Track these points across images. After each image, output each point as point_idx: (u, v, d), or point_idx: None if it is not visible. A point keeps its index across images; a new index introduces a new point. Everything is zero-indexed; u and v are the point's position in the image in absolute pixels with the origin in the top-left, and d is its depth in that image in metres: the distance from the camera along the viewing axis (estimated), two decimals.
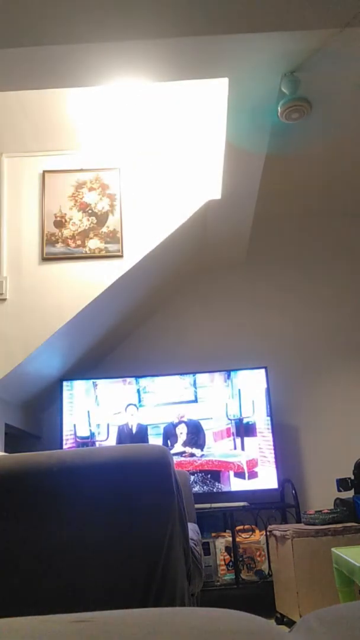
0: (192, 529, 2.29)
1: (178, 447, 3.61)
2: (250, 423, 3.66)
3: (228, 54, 2.21)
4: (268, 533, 3.21)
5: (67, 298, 3.13)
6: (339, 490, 3.29)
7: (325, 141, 3.35)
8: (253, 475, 3.56)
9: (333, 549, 2.23)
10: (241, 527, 3.42)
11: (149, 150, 3.36)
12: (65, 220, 3.29)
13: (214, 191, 3.29)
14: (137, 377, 3.75)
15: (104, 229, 3.27)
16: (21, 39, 2.11)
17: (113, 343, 4.10)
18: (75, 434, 3.62)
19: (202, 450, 3.61)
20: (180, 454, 3.59)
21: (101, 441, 3.60)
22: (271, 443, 3.62)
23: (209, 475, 3.57)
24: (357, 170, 3.75)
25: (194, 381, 3.77)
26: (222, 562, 3.31)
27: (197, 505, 3.16)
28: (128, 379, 3.74)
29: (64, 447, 3.56)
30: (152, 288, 3.89)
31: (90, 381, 3.74)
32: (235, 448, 3.61)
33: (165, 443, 3.57)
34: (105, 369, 4.07)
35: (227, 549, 3.33)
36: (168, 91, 2.95)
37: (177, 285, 4.24)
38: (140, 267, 3.28)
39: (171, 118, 3.19)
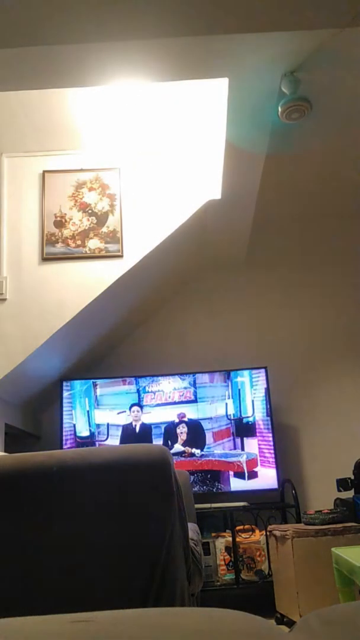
0: (192, 529, 2.29)
1: (178, 447, 3.61)
2: (250, 423, 3.66)
3: (228, 54, 2.21)
4: (268, 533, 3.21)
5: (67, 298, 3.13)
6: (339, 490, 3.29)
7: (326, 141, 3.35)
8: (253, 475, 3.56)
9: (333, 549, 2.23)
10: (241, 527, 3.42)
11: (149, 150, 3.36)
12: (65, 220, 3.29)
13: (214, 191, 3.29)
14: (137, 377, 3.75)
15: (104, 229, 3.27)
16: (21, 39, 2.11)
17: (113, 343, 4.10)
18: (75, 434, 3.62)
19: (202, 450, 3.61)
20: (180, 453, 3.59)
21: (101, 441, 3.60)
22: (271, 443, 3.62)
23: (209, 475, 3.57)
24: (357, 169, 3.75)
25: (194, 381, 3.77)
26: (222, 562, 3.31)
27: (197, 505, 3.16)
28: (128, 379, 3.75)
29: (64, 447, 3.56)
30: (152, 288, 3.89)
31: (90, 381, 3.74)
32: (235, 448, 3.61)
33: (165, 443, 3.57)
34: (105, 369, 4.07)
35: (227, 549, 3.33)
36: (168, 91, 2.95)
37: (177, 285, 4.24)
38: (140, 267, 3.28)
39: (171, 118, 3.19)
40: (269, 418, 3.65)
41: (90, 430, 3.63)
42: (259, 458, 3.59)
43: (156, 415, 3.66)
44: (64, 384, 3.71)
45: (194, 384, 3.75)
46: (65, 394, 3.70)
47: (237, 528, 3.38)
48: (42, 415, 4.02)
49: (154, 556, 1.38)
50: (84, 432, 3.62)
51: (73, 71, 2.27)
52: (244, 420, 3.65)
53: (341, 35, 2.13)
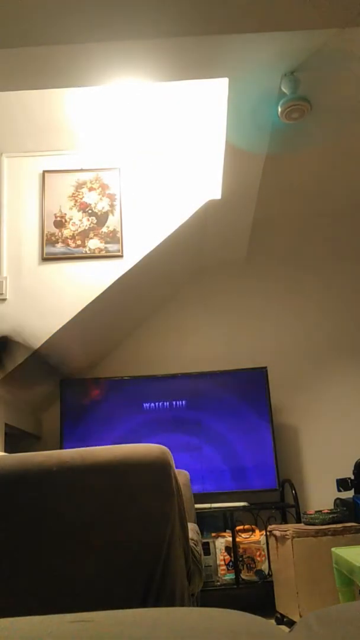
0: (192, 529, 2.29)
1: (178, 447, 3.61)
2: (250, 423, 3.66)
3: (228, 54, 2.21)
4: (268, 533, 3.21)
5: (67, 298, 3.13)
6: (339, 490, 3.29)
7: (326, 141, 3.35)
8: (253, 475, 3.56)
9: (333, 549, 2.23)
10: (241, 527, 3.42)
11: (149, 150, 3.36)
12: (65, 220, 3.29)
13: (214, 191, 3.29)
14: (137, 377, 3.75)
15: (104, 229, 3.27)
16: (21, 39, 2.11)
17: (113, 343, 4.10)
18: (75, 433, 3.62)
19: (202, 450, 3.61)
20: (182, 452, 3.59)
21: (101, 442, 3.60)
22: (271, 443, 3.61)
23: (209, 475, 3.57)
24: (358, 169, 3.75)
25: (194, 381, 3.77)
26: (222, 562, 3.31)
27: (197, 505, 3.16)
28: (128, 379, 3.74)
29: (64, 447, 3.56)
30: (152, 288, 3.89)
31: (91, 381, 3.74)
32: (235, 448, 3.61)
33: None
34: (105, 369, 4.07)
35: (227, 549, 3.33)
36: (168, 91, 2.95)
37: (177, 285, 4.24)
38: (140, 267, 3.28)
39: (171, 118, 3.19)
40: (269, 418, 3.65)
41: (90, 431, 3.62)
42: (259, 458, 3.59)
43: (156, 415, 3.66)
44: (64, 383, 3.71)
45: (194, 384, 3.75)
46: (66, 394, 3.70)
47: (237, 528, 3.38)
48: (42, 415, 4.02)
49: (154, 556, 1.38)
50: (84, 432, 3.62)
51: (73, 71, 2.27)
52: (244, 420, 3.65)
53: (341, 35, 2.13)
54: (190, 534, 1.90)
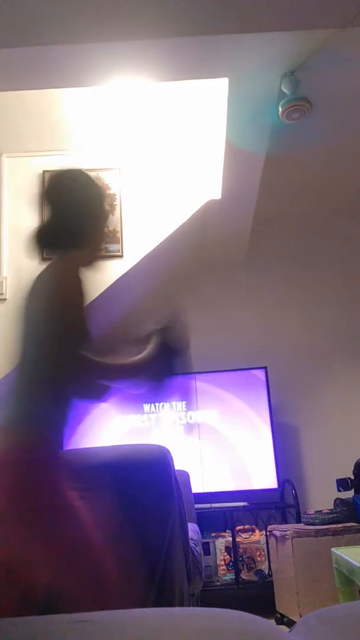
0: (192, 529, 2.29)
1: (178, 447, 3.61)
2: (250, 423, 3.66)
3: (228, 54, 2.21)
4: (268, 533, 3.21)
5: None
6: (339, 490, 3.28)
7: (326, 141, 3.35)
8: (253, 475, 3.56)
9: (333, 549, 2.23)
10: (241, 527, 3.42)
11: (149, 150, 3.36)
12: None
13: (214, 191, 3.29)
14: None
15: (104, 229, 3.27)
16: (21, 39, 2.11)
17: (113, 343, 4.09)
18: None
19: (202, 450, 3.61)
20: (182, 452, 3.59)
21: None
22: (271, 443, 3.61)
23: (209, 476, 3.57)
24: (358, 169, 3.75)
25: (194, 381, 3.77)
26: (222, 562, 3.31)
27: (197, 505, 3.16)
28: None
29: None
30: (152, 288, 3.89)
31: None
32: (235, 448, 3.61)
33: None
34: None
35: (227, 549, 3.33)
36: (168, 91, 2.95)
37: (177, 285, 4.24)
38: (140, 267, 3.28)
39: (171, 118, 3.19)
40: (269, 418, 3.65)
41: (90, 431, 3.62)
42: (259, 458, 3.59)
43: (157, 416, 3.66)
44: None
45: (194, 384, 3.75)
46: None
47: (237, 528, 3.38)
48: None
49: (154, 556, 1.38)
50: (84, 432, 3.62)
51: (73, 71, 2.27)
52: (244, 420, 3.65)
53: (341, 35, 2.13)
54: (190, 534, 1.90)
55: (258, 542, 3.36)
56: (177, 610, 0.64)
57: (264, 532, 3.37)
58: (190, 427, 3.68)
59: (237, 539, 3.33)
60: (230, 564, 3.30)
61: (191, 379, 3.79)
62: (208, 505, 3.37)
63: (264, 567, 3.30)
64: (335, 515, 2.98)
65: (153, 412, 3.68)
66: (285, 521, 3.56)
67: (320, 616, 0.61)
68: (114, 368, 1.34)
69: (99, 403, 1.46)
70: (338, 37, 2.14)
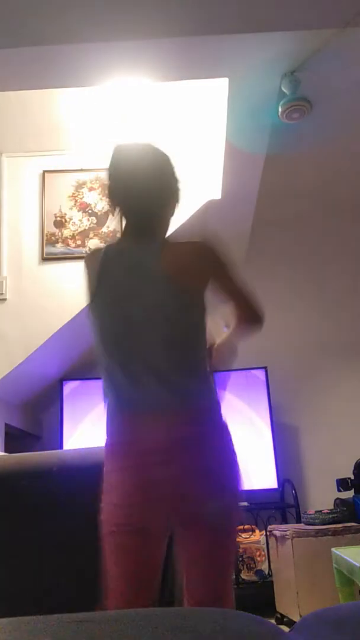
0: None
1: None
2: (250, 423, 3.66)
3: (228, 54, 2.21)
4: (268, 533, 3.21)
5: (67, 298, 3.12)
6: (339, 490, 3.28)
7: (326, 141, 3.35)
8: (253, 475, 3.56)
9: (333, 549, 2.23)
10: (241, 527, 3.41)
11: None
12: (65, 220, 3.28)
13: (214, 191, 3.29)
14: None
15: (104, 229, 3.27)
16: (21, 39, 2.11)
17: None
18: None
19: None
20: None
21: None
22: (271, 443, 3.61)
23: None
24: (358, 169, 3.75)
25: None
26: None
27: None
28: None
29: (64, 447, 3.56)
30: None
31: (91, 381, 3.74)
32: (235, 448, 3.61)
33: None
34: None
35: None
36: (168, 91, 2.95)
37: None
38: None
39: (171, 118, 3.18)
40: (269, 418, 3.65)
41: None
42: (259, 458, 3.58)
43: None
44: (64, 384, 3.71)
45: None
46: (66, 393, 3.69)
47: (237, 528, 3.38)
48: (42, 415, 4.02)
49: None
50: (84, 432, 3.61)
51: (73, 71, 2.27)
52: (244, 420, 3.65)
53: (341, 35, 2.13)
54: None
55: (258, 542, 3.36)
56: (177, 610, 0.64)
57: (264, 532, 3.37)
58: None
59: (237, 539, 3.33)
60: None
61: None
62: None
63: (264, 567, 3.30)
64: (335, 515, 2.98)
65: None
66: (285, 521, 3.56)
67: (320, 616, 0.61)
68: None
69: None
70: (338, 37, 2.13)
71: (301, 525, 3.03)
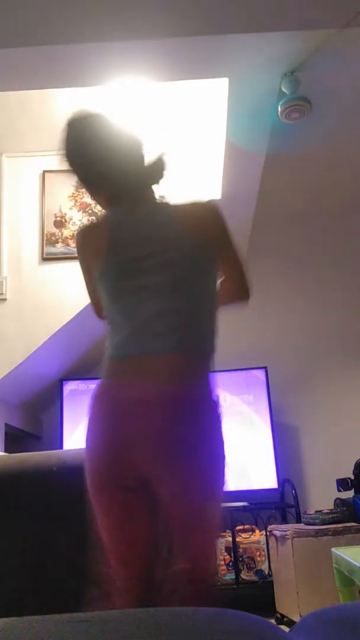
0: None
1: None
2: (250, 423, 3.66)
3: (228, 54, 2.21)
4: (268, 533, 3.21)
5: (67, 298, 3.12)
6: (339, 490, 3.28)
7: (326, 141, 3.35)
8: (253, 475, 3.56)
9: (333, 549, 2.23)
10: (241, 527, 3.41)
11: (149, 150, 3.35)
12: (66, 220, 3.28)
13: (214, 191, 3.29)
14: None
15: None
16: (21, 39, 2.11)
17: None
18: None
19: None
20: None
21: None
22: (271, 443, 3.61)
23: None
24: (358, 169, 3.75)
25: None
26: (222, 562, 3.31)
27: None
28: None
29: (64, 447, 3.56)
30: None
31: (91, 381, 3.74)
32: (235, 448, 3.61)
33: None
34: None
35: (227, 549, 3.33)
36: (168, 91, 2.95)
37: None
38: None
39: (171, 118, 3.18)
40: (269, 418, 3.65)
41: None
42: (259, 458, 3.58)
43: None
44: (64, 384, 3.71)
45: None
46: (66, 393, 3.69)
47: (237, 528, 3.38)
48: (42, 415, 4.02)
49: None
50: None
51: (73, 71, 2.27)
52: (245, 420, 3.65)
53: (341, 35, 2.13)
54: None
55: (258, 542, 3.36)
56: (177, 610, 0.64)
57: (264, 532, 3.37)
58: None
59: (237, 539, 3.33)
60: (230, 564, 3.30)
61: None
62: None
63: (264, 567, 3.30)
64: (335, 515, 2.98)
65: None
66: (285, 521, 3.56)
67: (320, 616, 0.61)
68: None
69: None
70: (338, 37, 2.13)
71: (301, 525, 3.03)
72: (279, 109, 2.47)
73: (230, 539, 3.33)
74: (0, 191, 3.29)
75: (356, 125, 3.20)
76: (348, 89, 2.83)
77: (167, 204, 1.44)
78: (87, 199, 3.32)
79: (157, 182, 1.48)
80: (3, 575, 1.48)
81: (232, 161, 2.99)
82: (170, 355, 1.24)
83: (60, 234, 3.26)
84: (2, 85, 2.38)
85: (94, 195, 1.49)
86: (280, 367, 3.98)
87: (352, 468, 3.35)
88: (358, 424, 3.89)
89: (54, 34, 2.11)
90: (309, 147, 3.40)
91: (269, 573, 3.24)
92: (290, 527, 2.95)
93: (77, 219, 3.29)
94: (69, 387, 3.72)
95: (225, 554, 3.33)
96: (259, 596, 3.21)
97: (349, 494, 3.28)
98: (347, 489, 3.27)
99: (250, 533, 3.38)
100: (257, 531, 3.41)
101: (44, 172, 3.33)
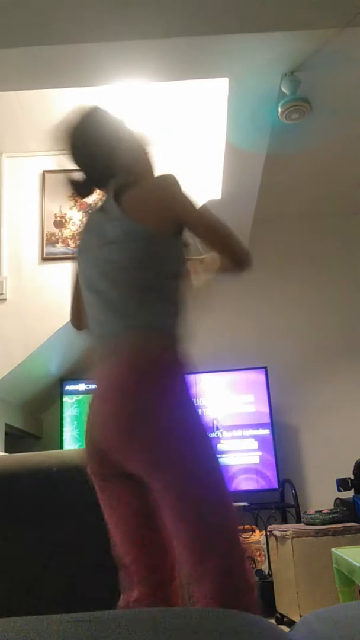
0: None
1: None
2: (250, 423, 3.66)
3: (228, 54, 2.21)
4: (268, 533, 3.21)
5: (67, 298, 3.11)
6: (339, 490, 3.28)
7: (326, 141, 3.35)
8: (253, 475, 3.56)
9: (333, 549, 2.23)
10: (241, 527, 3.41)
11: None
12: (66, 220, 3.28)
13: (214, 191, 3.29)
14: None
15: None
16: (21, 39, 2.11)
17: None
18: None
19: None
20: None
21: None
22: (271, 443, 3.61)
23: None
24: (358, 169, 3.75)
25: (195, 381, 3.77)
26: None
27: None
28: None
29: (64, 447, 3.56)
30: None
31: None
32: (235, 448, 3.61)
33: None
34: None
35: None
36: (168, 91, 2.95)
37: None
38: None
39: (171, 118, 3.19)
40: (269, 418, 3.65)
41: None
42: (259, 458, 3.58)
43: None
44: (64, 384, 3.71)
45: (195, 384, 3.75)
46: (66, 393, 3.69)
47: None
48: (42, 415, 4.02)
49: None
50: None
51: (73, 71, 2.27)
52: (245, 420, 3.65)
53: (341, 35, 2.13)
54: None
55: (258, 542, 3.36)
56: (177, 610, 0.64)
57: (264, 532, 3.37)
58: None
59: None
60: None
61: (192, 379, 3.78)
62: None
63: (264, 567, 3.30)
64: (335, 515, 2.98)
65: None
66: (285, 521, 3.56)
67: (320, 616, 0.61)
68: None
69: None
70: (338, 37, 2.14)
71: (301, 525, 3.03)
72: (279, 109, 2.47)
73: None
74: (0, 191, 3.29)
75: (356, 125, 3.20)
76: (348, 89, 2.83)
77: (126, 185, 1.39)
78: (88, 199, 3.32)
79: (118, 174, 1.43)
80: (3, 576, 1.48)
81: (232, 161, 2.99)
82: (111, 343, 1.25)
83: (60, 234, 3.26)
84: (2, 85, 2.38)
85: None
86: (280, 367, 3.98)
87: (352, 468, 3.35)
88: (358, 424, 3.89)
89: (54, 34, 2.11)
90: (308, 147, 3.40)
91: (269, 573, 3.24)
92: (290, 527, 2.95)
93: (77, 219, 3.29)
94: (69, 387, 3.72)
95: None
96: (259, 596, 3.21)
97: (349, 494, 3.28)
98: (347, 489, 3.27)
99: (250, 533, 3.38)
100: (257, 531, 3.41)
101: (44, 172, 3.34)
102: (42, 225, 3.27)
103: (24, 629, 0.55)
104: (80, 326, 1.50)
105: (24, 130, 3.21)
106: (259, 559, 3.33)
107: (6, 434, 3.27)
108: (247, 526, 3.41)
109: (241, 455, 3.60)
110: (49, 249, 3.23)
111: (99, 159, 1.45)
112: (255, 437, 3.64)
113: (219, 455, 1.22)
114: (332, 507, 3.23)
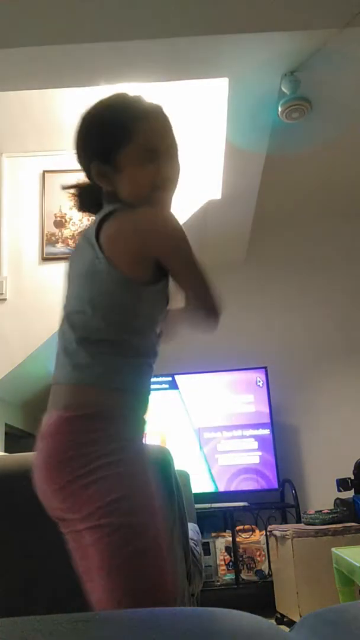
0: (192, 529, 2.29)
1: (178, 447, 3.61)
2: (250, 423, 3.66)
3: (228, 54, 2.21)
4: (268, 533, 3.21)
5: None
6: (339, 490, 3.28)
7: (326, 141, 3.35)
8: (253, 475, 3.56)
9: (333, 549, 2.23)
10: (241, 527, 3.41)
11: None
12: (66, 220, 3.28)
13: (214, 191, 3.29)
14: None
15: None
16: (21, 39, 2.11)
17: None
18: None
19: (202, 449, 3.61)
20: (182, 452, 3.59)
21: None
22: (271, 443, 3.61)
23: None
24: (358, 170, 3.75)
25: (195, 381, 3.78)
26: (222, 562, 3.31)
27: (197, 505, 3.16)
28: None
29: None
30: None
31: None
32: (235, 448, 3.61)
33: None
34: None
35: (227, 549, 3.33)
36: (168, 91, 2.95)
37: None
38: None
39: (171, 118, 3.18)
40: (269, 418, 3.65)
41: None
42: (259, 458, 3.58)
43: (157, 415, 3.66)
44: None
45: (194, 384, 3.75)
46: None
47: (237, 528, 3.38)
48: (42, 415, 4.02)
49: None
50: None
51: (73, 71, 2.27)
52: (245, 420, 3.65)
53: (341, 35, 2.13)
54: (190, 534, 1.89)
55: (258, 542, 3.36)
56: (177, 610, 0.64)
57: (264, 532, 3.37)
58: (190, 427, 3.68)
59: (237, 539, 3.33)
60: (230, 564, 3.30)
61: (192, 379, 3.79)
62: (208, 505, 3.37)
63: (264, 567, 3.30)
64: (335, 515, 2.98)
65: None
66: (285, 521, 3.56)
67: (320, 616, 0.61)
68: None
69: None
70: (338, 37, 2.14)
71: (301, 525, 3.03)
72: (279, 108, 2.47)
73: (230, 538, 3.33)
74: (0, 191, 3.29)
75: (356, 125, 3.20)
76: (348, 89, 2.83)
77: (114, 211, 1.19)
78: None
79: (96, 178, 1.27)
80: (2, 576, 1.48)
81: (232, 161, 2.99)
82: (56, 387, 1.23)
83: (60, 234, 3.26)
84: (2, 85, 2.38)
85: None
86: (280, 367, 3.98)
87: (352, 468, 3.35)
88: (358, 424, 3.89)
89: (54, 34, 2.11)
90: (309, 147, 3.40)
91: (269, 573, 3.24)
92: (290, 527, 2.95)
93: (77, 219, 3.29)
94: None
95: (225, 553, 3.33)
96: (259, 596, 3.21)
97: (349, 494, 3.28)
98: (347, 489, 3.27)
99: (250, 533, 3.38)
100: (257, 531, 3.41)
101: (44, 172, 3.33)
102: (42, 225, 3.27)
103: (23, 629, 0.55)
104: None
105: (24, 130, 3.21)
106: (259, 559, 3.33)
107: (6, 434, 3.27)
108: (247, 526, 3.41)
109: (241, 455, 3.60)
110: (49, 249, 3.23)
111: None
112: (255, 437, 3.63)
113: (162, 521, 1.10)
114: (332, 507, 3.23)
